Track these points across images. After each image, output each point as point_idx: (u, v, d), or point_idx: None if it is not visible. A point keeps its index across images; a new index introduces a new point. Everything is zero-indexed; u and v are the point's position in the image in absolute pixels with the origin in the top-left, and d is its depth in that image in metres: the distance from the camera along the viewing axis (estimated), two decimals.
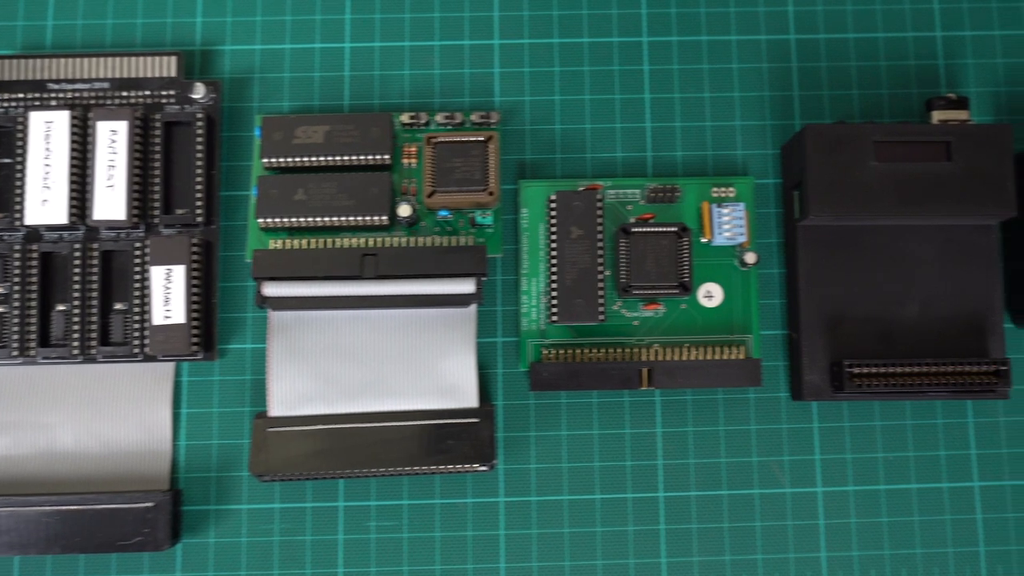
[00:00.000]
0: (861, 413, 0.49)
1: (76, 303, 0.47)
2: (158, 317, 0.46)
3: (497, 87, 0.51)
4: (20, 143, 0.48)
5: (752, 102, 0.51)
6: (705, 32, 0.52)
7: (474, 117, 0.49)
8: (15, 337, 0.46)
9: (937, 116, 0.49)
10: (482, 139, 0.48)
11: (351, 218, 0.47)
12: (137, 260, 0.48)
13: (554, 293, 0.47)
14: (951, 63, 0.52)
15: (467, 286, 0.46)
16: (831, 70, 0.51)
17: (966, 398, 0.47)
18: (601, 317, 0.47)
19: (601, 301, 0.48)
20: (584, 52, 0.51)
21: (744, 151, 0.51)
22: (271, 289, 0.46)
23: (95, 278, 0.47)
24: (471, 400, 0.47)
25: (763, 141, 0.51)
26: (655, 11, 0.52)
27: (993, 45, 0.52)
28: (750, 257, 0.48)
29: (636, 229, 0.48)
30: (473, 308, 0.47)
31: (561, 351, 0.48)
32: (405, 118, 0.49)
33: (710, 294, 0.49)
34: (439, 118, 0.49)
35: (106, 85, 0.49)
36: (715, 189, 0.50)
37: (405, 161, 0.49)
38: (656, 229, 0.48)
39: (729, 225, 0.48)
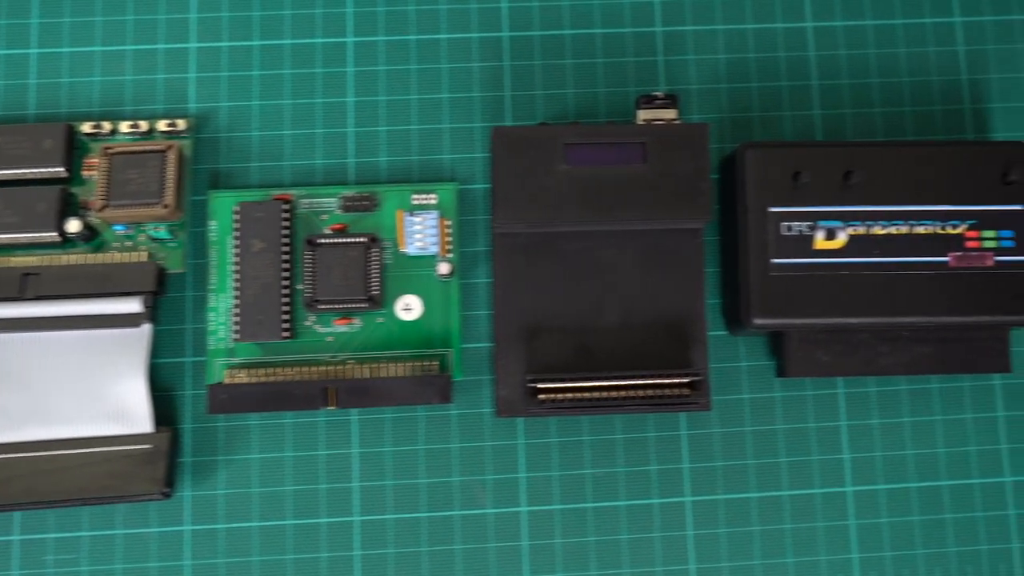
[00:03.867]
0: (569, 428, 0.47)
1: None
2: None
3: (192, 93, 0.48)
4: None
5: (461, 103, 0.49)
6: (414, 31, 0.49)
7: (161, 125, 0.47)
8: None
9: (642, 115, 0.46)
10: (161, 149, 0.46)
11: (17, 235, 0.45)
12: None
13: (237, 310, 0.45)
14: (671, 59, 0.49)
15: (133, 305, 0.44)
16: (546, 68, 0.49)
17: (664, 411, 0.45)
18: (286, 334, 0.45)
19: (286, 317, 0.45)
20: (285, 54, 0.49)
21: (452, 155, 0.48)
22: None
23: None
24: (144, 425, 0.44)
25: (472, 144, 0.48)
26: (362, 10, 0.49)
27: (715, 40, 0.50)
28: (443, 268, 0.46)
29: (323, 241, 0.45)
30: (146, 328, 0.45)
31: (249, 370, 0.46)
32: (87, 127, 0.47)
33: (408, 307, 0.47)
34: (124, 127, 0.47)
35: None
36: (416, 196, 0.47)
37: (86, 173, 0.47)
38: (344, 240, 0.45)
39: (421, 234, 0.46)
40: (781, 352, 0.46)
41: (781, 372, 0.46)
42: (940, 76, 0.50)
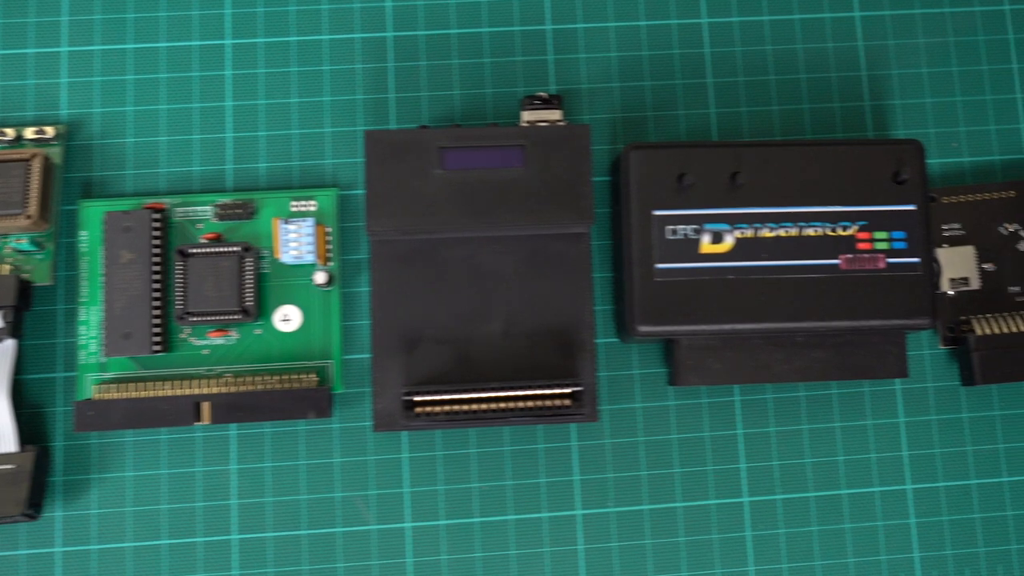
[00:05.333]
0: (456, 441, 0.45)
1: None
2: None
3: (64, 98, 0.46)
4: None
5: (343, 106, 0.47)
6: (295, 32, 0.48)
7: (29, 133, 0.45)
8: None
9: (526, 117, 0.45)
10: (25, 157, 0.44)
11: None
12: None
13: (105, 323, 0.44)
14: (561, 58, 0.48)
15: None
16: (432, 69, 0.48)
17: (546, 422, 0.44)
18: (157, 348, 0.44)
19: (158, 330, 0.44)
20: (161, 58, 0.47)
21: (335, 160, 0.47)
22: None
23: None
24: (8, 444, 0.43)
25: (355, 149, 0.47)
26: (240, 11, 0.48)
27: (607, 38, 0.48)
28: (320, 277, 0.44)
29: (194, 251, 0.44)
30: (8, 344, 0.43)
31: (120, 386, 0.44)
32: None
33: (287, 317, 0.45)
34: None
35: None
36: (294, 203, 0.46)
37: None
38: (216, 250, 0.44)
39: (296, 243, 0.44)
40: (672, 360, 0.45)
41: (673, 380, 0.45)
42: (839, 72, 0.48)
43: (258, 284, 0.44)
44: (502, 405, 0.43)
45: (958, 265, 0.46)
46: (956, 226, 0.47)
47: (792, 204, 0.43)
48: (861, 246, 0.43)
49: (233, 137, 0.47)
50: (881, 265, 0.43)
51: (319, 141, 0.47)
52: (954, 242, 0.47)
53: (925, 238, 0.44)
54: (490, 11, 0.48)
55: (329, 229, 0.46)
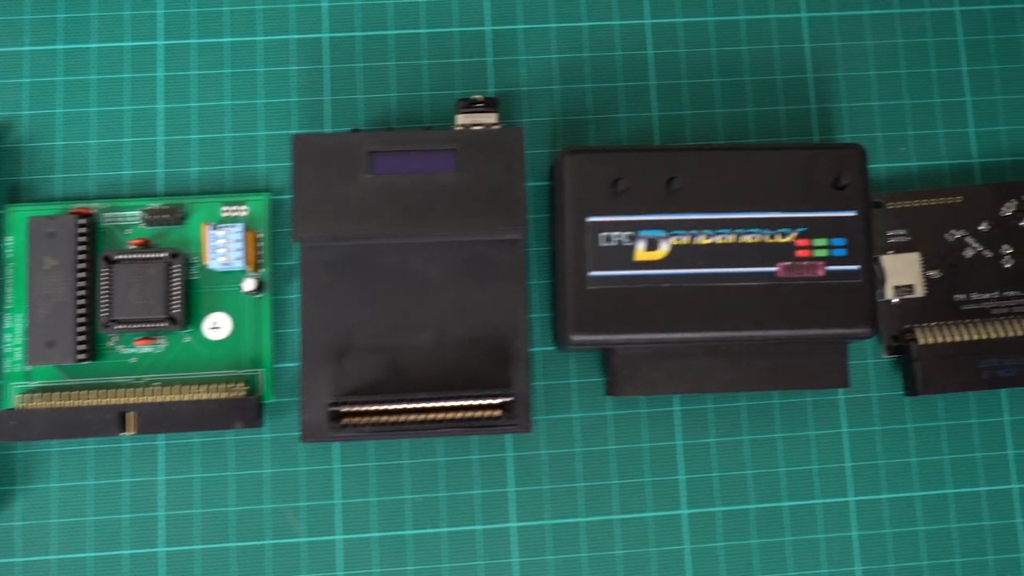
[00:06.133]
0: (388, 452, 0.44)
1: None
2: None
3: None
4: None
5: (278, 109, 0.46)
6: (228, 33, 0.47)
7: None
8: None
9: (461, 120, 0.44)
10: None
11: None
12: None
13: (29, 331, 0.43)
14: (501, 59, 0.47)
15: None
16: (368, 71, 0.47)
17: (478, 433, 0.43)
18: (83, 356, 0.43)
19: (83, 338, 0.43)
20: (91, 59, 0.46)
21: (268, 164, 0.46)
22: None
23: None
24: None
25: (289, 153, 0.45)
26: (173, 11, 0.47)
27: (548, 39, 0.47)
28: (248, 284, 0.43)
29: (120, 257, 0.43)
30: None
31: (44, 395, 0.43)
32: None
33: (217, 325, 0.44)
34: None
35: None
36: (225, 208, 0.45)
37: None
38: (142, 256, 0.43)
39: (225, 249, 0.43)
40: (608, 369, 0.44)
41: (609, 391, 0.44)
42: (785, 75, 0.47)
43: (186, 291, 0.44)
44: (432, 416, 0.42)
45: (903, 272, 0.45)
46: (902, 232, 0.46)
47: (729, 210, 0.42)
48: (800, 253, 0.42)
49: (164, 140, 0.46)
50: (820, 273, 0.42)
51: (252, 145, 0.46)
52: (899, 249, 0.46)
53: (866, 245, 0.43)
54: (428, 12, 0.47)
55: (260, 235, 0.45)
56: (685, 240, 0.42)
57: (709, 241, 0.42)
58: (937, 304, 0.45)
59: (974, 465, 0.45)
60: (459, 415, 0.42)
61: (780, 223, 0.42)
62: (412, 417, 0.42)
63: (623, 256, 0.42)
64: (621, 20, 0.47)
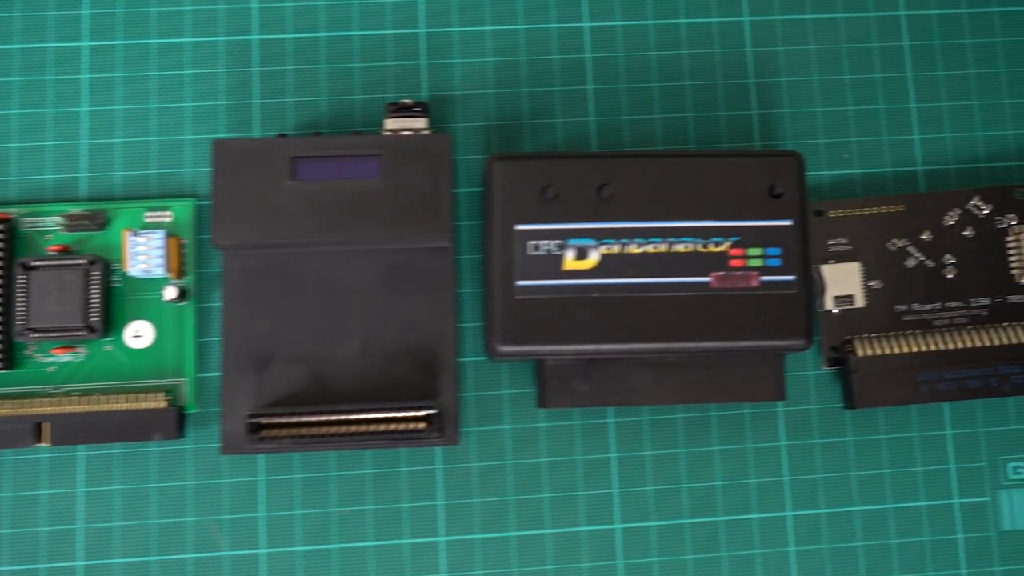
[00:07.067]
0: (315, 464, 0.43)
1: None
2: None
3: None
4: None
5: (205, 112, 0.45)
6: (155, 34, 0.46)
7: None
8: None
9: (389, 125, 0.43)
10: None
11: None
12: None
13: None
14: (435, 63, 0.46)
15: None
16: (299, 74, 0.45)
17: (402, 446, 0.42)
18: None
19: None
20: (13, 60, 0.45)
21: (194, 169, 0.45)
22: None
23: None
24: None
25: None
26: (99, 11, 0.45)
27: (484, 42, 0.46)
28: (169, 292, 0.42)
29: (37, 264, 0.42)
30: None
31: None
32: None
33: (139, 333, 0.43)
34: None
35: None
36: (149, 214, 0.44)
37: None
38: (60, 263, 0.42)
39: (145, 256, 0.42)
40: (539, 381, 0.43)
41: (539, 402, 0.43)
42: (726, 80, 0.46)
43: (106, 299, 0.42)
44: (355, 428, 0.41)
45: (843, 282, 0.44)
46: (843, 241, 0.45)
47: (662, 219, 0.41)
48: (734, 263, 0.41)
49: (88, 144, 0.45)
50: (754, 283, 0.41)
51: (178, 149, 0.45)
52: (840, 258, 0.45)
53: (802, 255, 0.42)
54: (361, 13, 0.46)
55: (185, 241, 0.44)
56: (616, 249, 0.41)
57: (640, 250, 0.41)
58: (878, 315, 0.44)
59: (915, 479, 0.44)
60: (383, 427, 0.41)
61: (713, 232, 0.41)
62: (335, 429, 0.41)
63: (552, 265, 0.41)
64: (559, 23, 0.46)
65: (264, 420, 0.40)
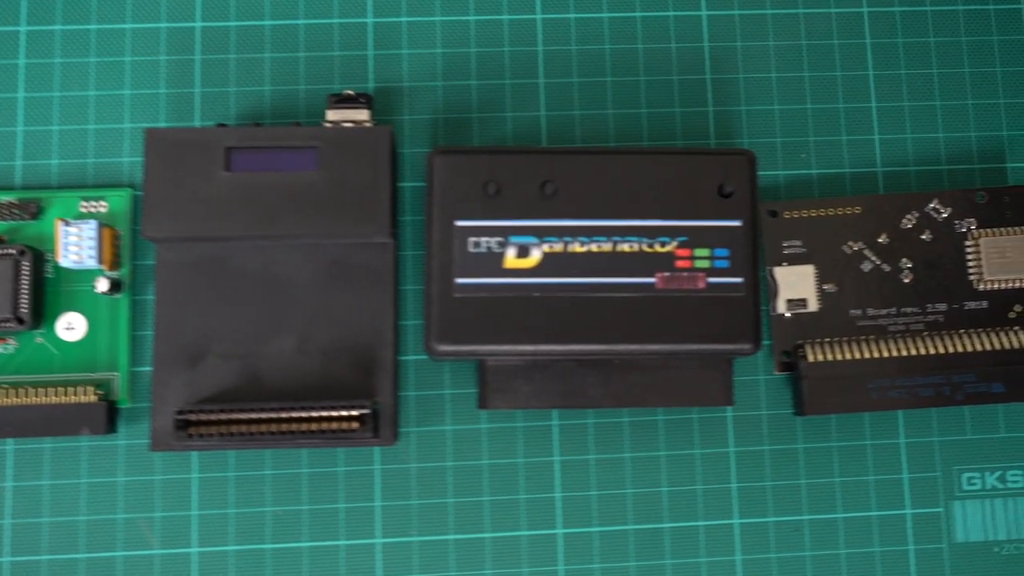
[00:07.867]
0: (250, 462, 0.42)
1: None
2: None
3: None
4: None
5: (145, 101, 0.44)
6: (95, 19, 0.44)
7: None
8: None
9: (332, 116, 0.42)
10: None
11: None
12: None
13: None
14: (382, 53, 0.45)
15: None
16: (242, 63, 0.44)
17: (336, 446, 0.41)
18: None
19: None
20: None
21: (132, 158, 0.44)
22: None
23: None
24: None
25: None
26: None
27: (433, 33, 0.45)
28: (101, 284, 0.41)
29: None
30: None
31: None
32: None
33: (71, 326, 0.42)
34: None
35: None
36: (84, 203, 0.43)
37: None
38: None
39: (77, 246, 0.41)
40: (480, 381, 0.42)
41: (481, 403, 0.42)
42: (682, 75, 0.45)
43: (38, 290, 0.41)
44: (289, 427, 0.40)
45: (796, 285, 0.43)
46: (797, 243, 0.44)
47: (607, 217, 0.40)
48: (680, 264, 0.40)
49: (24, 131, 0.43)
50: (701, 285, 0.40)
51: (117, 137, 0.44)
52: (794, 261, 0.44)
53: (751, 257, 0.40)
54: (307, 2, 0.45)
55: (120, 232, 0.43)
56: (558, 248, 0.40)
57: (584, 249, 0.40)
58: (832, 320, 0.43)
59: (867, 489, 0.43)
60: (317, 426, 0.40)
61: (660, 232, 0.40)
62: (267, 427, 0.40)
63: (492, 263, 0.40)
64: (511, 15, 0.45)
65: (194, 417, 0.39)
